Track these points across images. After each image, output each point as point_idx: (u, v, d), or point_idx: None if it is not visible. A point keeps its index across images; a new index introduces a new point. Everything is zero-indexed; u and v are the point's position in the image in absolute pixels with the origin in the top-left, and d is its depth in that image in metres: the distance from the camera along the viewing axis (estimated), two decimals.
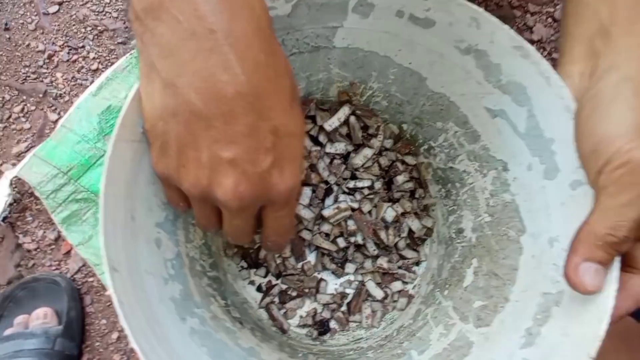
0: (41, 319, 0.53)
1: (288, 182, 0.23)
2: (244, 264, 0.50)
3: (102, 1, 0.64)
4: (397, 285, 0.51)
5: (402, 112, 0.46)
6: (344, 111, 0.46)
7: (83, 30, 0.63)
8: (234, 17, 0.20)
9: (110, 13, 0.64)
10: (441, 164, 0.47)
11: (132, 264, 0.27)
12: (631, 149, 0.24)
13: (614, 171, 0.25)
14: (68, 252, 0.59)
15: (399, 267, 0.51)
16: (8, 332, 0.52)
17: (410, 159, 0.51)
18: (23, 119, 0.63)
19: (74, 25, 0.63)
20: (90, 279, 0.59)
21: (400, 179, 0.49)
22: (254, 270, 0.50)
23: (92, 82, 0.61)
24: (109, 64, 0.62)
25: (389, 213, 0.48)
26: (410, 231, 0.50)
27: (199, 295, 0.37)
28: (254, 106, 0.21)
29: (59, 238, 0.59)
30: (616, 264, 0.26)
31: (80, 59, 0.63)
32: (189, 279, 0.37)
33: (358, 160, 0.48)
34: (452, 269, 0.46)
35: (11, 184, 0.56)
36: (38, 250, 0.60)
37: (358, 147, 0.49)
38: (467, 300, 0.41)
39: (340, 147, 0.48)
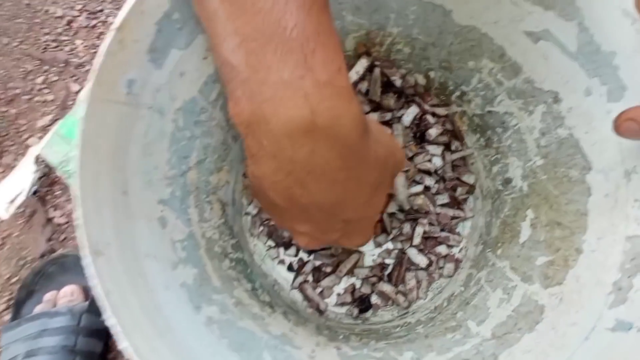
0: (68, 296, 0.53)
1: (356, 244, 0.29)
2: (272, 243, 0.47)
3: None
4: (441, 250, 0.46)
5: (428, 57, 0.41)
6: (362, 64, 0.42)
7: None
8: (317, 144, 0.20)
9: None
10: (477, 110, 0.42)
11: (126, 247, 0.24)
12: None
13: None
14: None
15: (442, 230, 0.46)
16: (37, 309, 0.53)
17: (441, 110, 0.45)
18: (46, 90, 0.62)
19: None
20: None
21: (432, 132, 0.44)
22: (283, 248, 0.47)
23: None
24: None
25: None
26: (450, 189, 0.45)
27: (219, 280, 0.34)
28: (328, 212, 0.23)
29: None
30: None
31: (100, 24, 0.62)
32: (206, 261, 0.34)
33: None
34: (502, 225, 0.41)
35: (37, 160, 0.56)
36: (68, 224, 0.59)
37: (377, 106, 0.44)
38: (527, 257, 0.35)
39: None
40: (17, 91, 0.61)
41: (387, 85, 0.44)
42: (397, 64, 0.43)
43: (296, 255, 0.47)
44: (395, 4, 0.35)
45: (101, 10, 0.63)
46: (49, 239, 0.59)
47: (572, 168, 0.32)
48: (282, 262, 0.47)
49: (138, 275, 0.24)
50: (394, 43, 0.40)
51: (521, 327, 0.31)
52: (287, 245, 0.47)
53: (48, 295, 0.54)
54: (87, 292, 0.55)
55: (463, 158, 0.46)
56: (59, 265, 0.56)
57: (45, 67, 0.62)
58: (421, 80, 0.44)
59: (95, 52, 0.61)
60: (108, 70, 0.23)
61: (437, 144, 0.45)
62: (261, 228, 0.47)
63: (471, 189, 0.46)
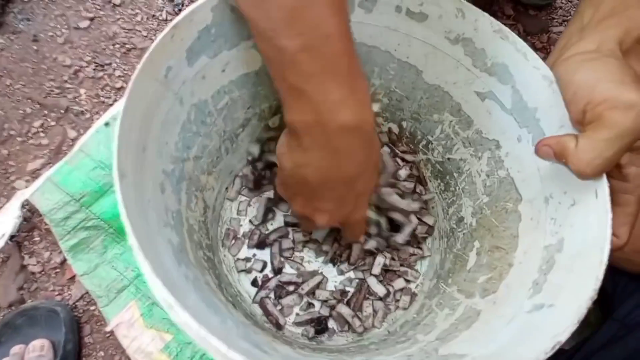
0: (37, 351, 0.51)
1: (360, 215, 0.37)
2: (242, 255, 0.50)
3: (133, 19, 0.67)
4: (399, 283, 0.50)
5: (402, 108, 0.50)
6: None
7: (111, 47, 0.65)
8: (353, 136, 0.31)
9: (140, 32, 0.67)
10: (439, 157, 0.50)
11: (137, 186, 0.28)
12: (608, 89, 0.28)
13: (595, 108, 0.28)
14: (72, 278, 0.57)
15: (401, 265, 0.51)
16: None
17: (409, 157, 0.53)
18: (42, 134, 0.61)
19: (102, 41, 0.66)
20: (92, 308, 0.56)
21: (402, 173, 0.52)
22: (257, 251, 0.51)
23: (114, 100, 0.63)
24: None
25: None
26: (413, 230, 0.50)
27: (194, 259, 0.37)
28: (348, 185, 0.33)
29: (64, 262, 0.57)
30: (606, 196, 0.29)
31: (106, 77, 0.64)
32: (186, 240, 0.37)
33: None
34: (454, 258, 0.47)
35: (23, 206, 0.56)
36: (42, 273, 0.57)
37: None
38: (471, 279, 0.41)
39: None
40: (13, 132, 0.60)
41: None
42: (377, 112, 0.51)
43: (262, 271, 0.50)
44: (380, 59, 0.45)
45: (109, 64, 0.65)
46: (20, 288, 0.56)
47: (509, 201, 0.40)
48: (248, 272, 0.50)
49: (143, 210, 0.28)
50: (375, 93, 0.49)
51: (461, 329, 0.36)
52: (262, 245, 0.50)
53: (16, 348, 0.51)
54: (56, 347, 0.52)
55: (425, 201, 0.53)
56: (29, 318, 0.53)
57: (45, 112, 0.62)
58: (395, 128, 0.52)
59: (97, 102, 0.63)
60: (158, 54, 0.31)
61: (405, 190, 0.51)
62: (233, 241, 0.51)
63: (430, 230, 0.52)
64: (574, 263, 0.30)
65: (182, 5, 0.68)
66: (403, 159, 0.53)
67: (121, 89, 0.65)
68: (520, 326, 0.30)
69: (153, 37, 0.67)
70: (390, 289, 0.50)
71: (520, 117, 0.38)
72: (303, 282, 0.49)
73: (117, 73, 0.65)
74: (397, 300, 0.50)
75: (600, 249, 0.28)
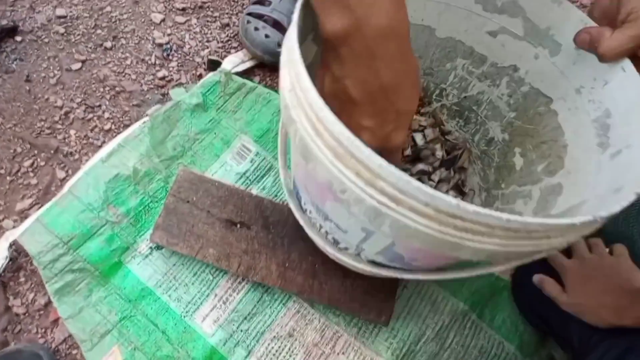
0: None
1: (400, 138, 0.35)
2: None
3: (123, 62, 0.69)
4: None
5: None
6: None
7: (102, 89, 0.66)
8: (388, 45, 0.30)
9: (129, 75, 0.68)
10: (454, 99, 0.52)
11: None
12: None
13: (637, 12, 0.33)
14: (56, 320, 0.54)
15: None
16: None
17: (425, 109, 0.55)
18: (31, 174, 0.60)
19: (93, 83, 0.66)
20: (74, 352, 0.53)
21: (418, 137, 0.53)
22: None
23: (103, 142, 0.62)
24: (122, 125, 0.64)
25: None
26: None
27: None
28: (388, 99, 0.32)
29: (49, 303, 0.54)
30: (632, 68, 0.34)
31: (95, 118, 0.64)
32: None
33: None
34: (496, 170, 0.48)
35: (10, 246, 0.55)
36: (26, 314, 0.54)
37: None
38: (528, 173, 0.43)
39: None
40: (2, 171, 0.60)
41: None
42: None
43: None
44: None
45: (99, 106, 0.65)
46: (4, 329, 0.53)
47: (540, 106, 0.42)
48: None
49: None
50: None
51: (551, 199, 0.39)
52: None
53: None
54: None
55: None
56: None
57: (35, 152, 0.61)
58: None
59: (87, 144, 0.62)
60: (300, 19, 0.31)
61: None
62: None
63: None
64: (629, 116, 0.33)
65: (171, 51, 0.71)
66: (418, 113, 0.54)
67: (109, 131, 0.64)
68: (611, 170, 0.33)
69: (142, 81, 0.68)
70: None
71: (534, 39, 0.41)
72: None
73: (106, 115, 0.65)
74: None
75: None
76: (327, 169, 0.26)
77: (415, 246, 0.30)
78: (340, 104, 0.33)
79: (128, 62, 0.70)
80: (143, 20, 0.74)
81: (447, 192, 0.51)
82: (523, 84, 0.44)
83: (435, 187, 0.50)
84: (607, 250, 0.50)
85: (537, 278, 0.52)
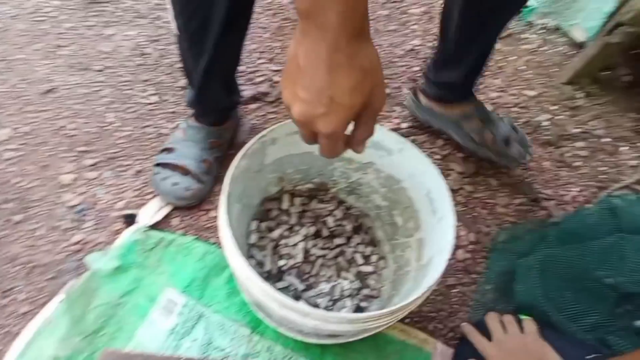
0: None
1: (325, 128, 0.37)
2: None
3: (34, 234, 0.67)
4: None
5: (310, 174, 0.70)
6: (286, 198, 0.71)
7: (14, 269, 0.63)
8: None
9: (42, 246, 0.66)
10: (345, 184, 0.71)
11: None
12: None
13: None
14: None
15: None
16: None
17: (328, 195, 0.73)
18: None
19: (5, 264, 0.63)
20: None
21: (330, 220, 0.70)
22: None
23: (20, 328, 0.58)
24: (39, 304, 0.61)
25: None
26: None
27: None
28: (327, 79, 0.34)
29: None
30: None
31: (10, 303, 0.60)
32: None
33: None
34: (390, 225, 0.68)
35: None
36: None
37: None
38: (406, 228, 0.65)
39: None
40: None
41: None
42: (296, 184, 0.71)
43: None
44: (287, 159, 0.64)
45: (12, 289, 0.63)
46: None
47: (395, 184, 0.64)
48: None
49: None
50: (291, 176, 0.69)
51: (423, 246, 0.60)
52: None
53: None
54: None
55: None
56: None
57: None
58: (310, 185, 0.71)
59: (5, 333, 0.58)
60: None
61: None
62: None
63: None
64: (438, 192, 0.57)
65: (85, 210, 0.71)
66: (322, 200, 0.71)
67: (26, 314, 0.60)
68: (440, 227, 0.55)
69: (56, 250, 0.66)
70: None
71: (375, 147, 0.63)
72: None
73: (22, 296, 0.62)
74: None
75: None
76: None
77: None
78: (293, 68, 0.35)
79: (40, 232, 0.68)
80: (53, 183, 0.74)
81: (365, 247, 0.69)
82: (381, 172, 0.65)
83: (355, 248, 0.68)
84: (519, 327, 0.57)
85: None
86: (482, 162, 0.86)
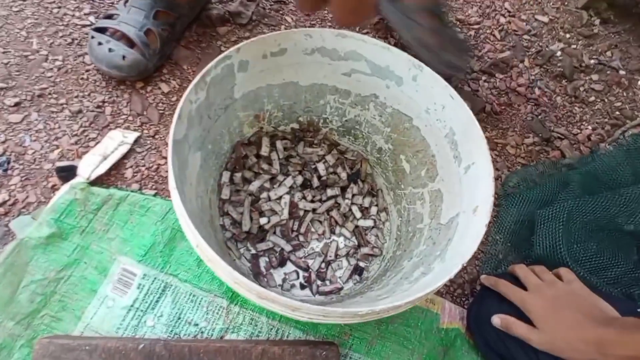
0: None
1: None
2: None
3: None
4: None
5: (294, 110, 0.57)
6: (265, 142, 0.57)
7: None
8: None
9: None
10: (338, 123, 0.59)
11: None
12: None
13: None
14: None
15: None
16: None
17: (317, 137, 0.61)
18: None
19: None
20: None
21: (321, 167, 0.59)
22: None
23: None
24: None
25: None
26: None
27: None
28: None
29: None
30: None
31: None
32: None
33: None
34: (394, 173, 0.58)
35: None
36: None
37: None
38: (416, 177, 0.54)
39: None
40: None
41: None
42: (277, 124, 0.58)
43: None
44: (265, 92, 0.52)
45: None
46: None
47: (405, 122, 0.53)
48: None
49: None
50: (270, 114, 0.55)
51: (439, 202, 0.49)
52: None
53: None
54: None
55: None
56: None
57: None
58: (296, 125, 0.59)
59: None
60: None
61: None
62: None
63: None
64: (467, 135, 0.45)
65: (9, 163, 0.56)
66: (311, 144, 0.60)
67: None
68: (468, 184, 0.44)
69: None
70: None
71: (380, 75, 0.51)
72: None
73: None
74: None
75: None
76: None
77: None
78: None
79: None
80: None
81: (362, 199, 0.58)
82: (386, 107, 0.54)
83: (352, 199, 0.58)
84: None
85: (498, 321, 0.47)
86: (488, 99, 0.75)
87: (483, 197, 0.39)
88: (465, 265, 0.36)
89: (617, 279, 0.53)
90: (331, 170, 0.59)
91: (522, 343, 0.45)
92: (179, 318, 0.49)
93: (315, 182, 0.57)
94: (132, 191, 0.55)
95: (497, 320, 0.47)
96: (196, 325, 0.49)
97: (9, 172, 0.56)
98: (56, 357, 0.42)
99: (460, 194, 0.45)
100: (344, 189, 0.58)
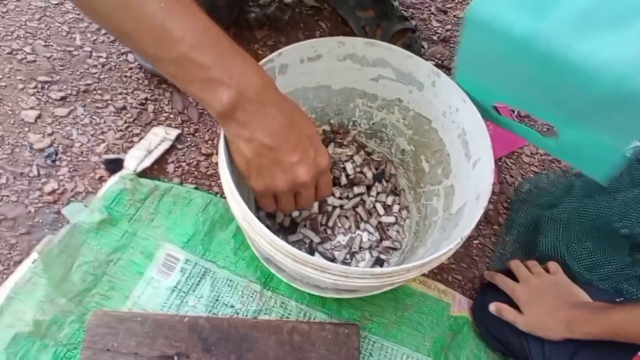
0: None
1: (326, 161, 0.42)
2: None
3: None
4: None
5: (326, 112, 0.62)
6: None
7: None
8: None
9: (8, 197, 0.56)
10: (366, 126, 0.64)
11: None
12: None
13: None
14: None
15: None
16: None
17: (346, 138, 0.66)
18: None
19: None
20: None
21: (349, 166, 0.63)
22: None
23: None
24: (12, 263, 0.52)
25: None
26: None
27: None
28: (294, 128, 0.39)
29: None
30: None
31: None
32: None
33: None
34: (414, 173, 0.63)
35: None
36: None
37: None
38: (433, 175, 0.59)
39: None
40: None
41: None
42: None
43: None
44: (300, 94, 0.56)
45: None
46: None
47: (425, 125, 0.57)
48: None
49: None
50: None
51: (451, 196, 0.55)
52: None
53: None
54: None
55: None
56: None
57: None
58: (327, 127, 0.64)
59: None
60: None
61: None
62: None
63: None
64: (475, 134, 0.50)
65: (57, 155, 0.60)
66: (341, 144, 0.65)
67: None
68: (475, 178, 0.49)
69: (26, 201, 0.56)
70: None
71: (404, 80, 0.55)
72: None
73: None
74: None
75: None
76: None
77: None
78: (267, 160, 0.38)
79: (2, 180, 0.57)
80: (12, 121, 0.61)
81: (386, 197, 0.63)
82: (409, 111, 0.58)
83: (376, 197, 0.62)
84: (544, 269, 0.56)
85: (493, 307, 0.54)
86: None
87: (484, 186, 0.46)
88: (464, 239, 0.42)
89: (608, 276, 0.58)
90: (358, 169, 0.63)
91: (514, 327, 0.52)
92: (217, 300, 0.53)
93: (344, 180, 0.61)
94: (175, 184, 0.59)
95: (492, 307, 0.54)
96: (232, 306, 0.53)
97: (57, 162, 0.60)
98: (110, 326, 0.46)
99: (468, 187, 0.50)
100: (369, 188, 0.62)
